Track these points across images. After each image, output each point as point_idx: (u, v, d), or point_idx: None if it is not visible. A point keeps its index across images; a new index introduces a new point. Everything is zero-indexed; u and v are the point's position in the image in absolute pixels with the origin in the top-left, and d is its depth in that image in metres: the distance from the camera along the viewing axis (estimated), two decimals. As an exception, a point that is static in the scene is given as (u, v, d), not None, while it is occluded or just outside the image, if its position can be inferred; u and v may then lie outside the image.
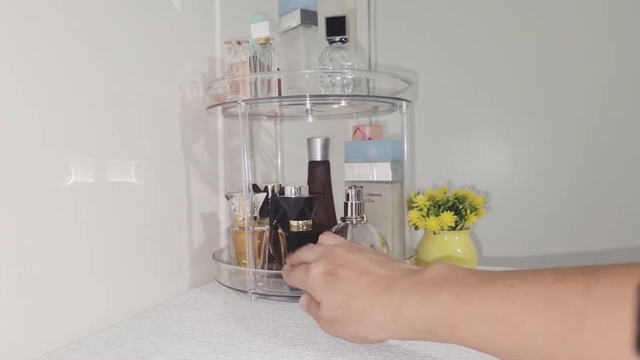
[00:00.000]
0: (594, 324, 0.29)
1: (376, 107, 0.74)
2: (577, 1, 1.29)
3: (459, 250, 0.71)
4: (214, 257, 0.70)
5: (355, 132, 0.78)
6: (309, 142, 0.74)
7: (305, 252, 0.50)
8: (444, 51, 1.42)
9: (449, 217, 0.69)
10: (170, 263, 0.65)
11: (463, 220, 0.72)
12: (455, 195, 0.74)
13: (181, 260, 0.68)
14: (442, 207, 0.71)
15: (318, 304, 0.45)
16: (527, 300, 0.32)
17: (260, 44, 0.63)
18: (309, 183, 0.73)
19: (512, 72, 1.35)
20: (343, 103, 0.66)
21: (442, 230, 0.71)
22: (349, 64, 0.64)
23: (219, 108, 0.69)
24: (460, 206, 0.72)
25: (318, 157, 0.73)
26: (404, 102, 0.68)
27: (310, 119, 0.85)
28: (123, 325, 0.52)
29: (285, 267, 0.53)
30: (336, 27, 0.64)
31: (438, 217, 0.70)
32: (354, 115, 0.85)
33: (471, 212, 0.71)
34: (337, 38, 0.63)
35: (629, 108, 1.25)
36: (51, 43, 0.46)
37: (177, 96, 0.67)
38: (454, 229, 0.72)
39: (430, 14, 1.43)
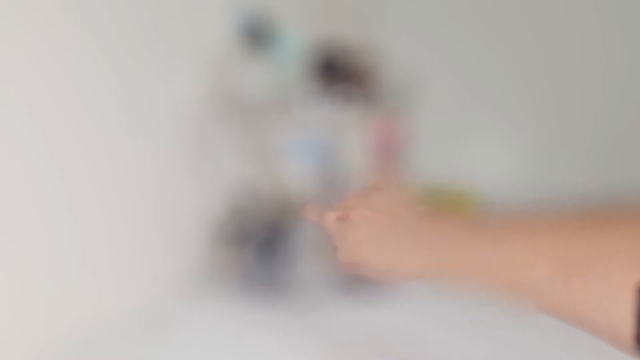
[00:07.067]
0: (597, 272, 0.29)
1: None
2: (576, 2, 1.28)
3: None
4: (214, 257, 0.69)
5: None
6: None
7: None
8: (444, 52, 1.42)
9: None
10: (170, 263, 0.65)
11: None
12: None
13: (181, 260, 0.68)
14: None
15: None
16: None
17: None
18: None
19: (515, 71, 1.35)
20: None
21: None
22: None
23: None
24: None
25: None
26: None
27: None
28: (121, 325, 0.52)
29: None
30: None
31: None
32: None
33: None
34: None
35: (630, 107, 1.25)
36: (51, 43, 0.46)
37: (181, 95, 0.67)
38: None
39: (429, 15, 1.43)
